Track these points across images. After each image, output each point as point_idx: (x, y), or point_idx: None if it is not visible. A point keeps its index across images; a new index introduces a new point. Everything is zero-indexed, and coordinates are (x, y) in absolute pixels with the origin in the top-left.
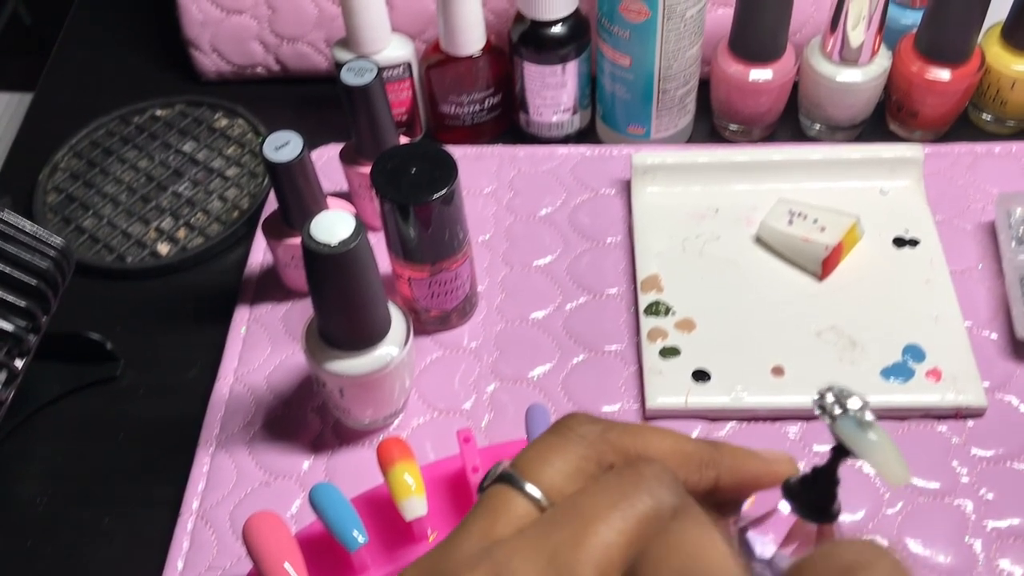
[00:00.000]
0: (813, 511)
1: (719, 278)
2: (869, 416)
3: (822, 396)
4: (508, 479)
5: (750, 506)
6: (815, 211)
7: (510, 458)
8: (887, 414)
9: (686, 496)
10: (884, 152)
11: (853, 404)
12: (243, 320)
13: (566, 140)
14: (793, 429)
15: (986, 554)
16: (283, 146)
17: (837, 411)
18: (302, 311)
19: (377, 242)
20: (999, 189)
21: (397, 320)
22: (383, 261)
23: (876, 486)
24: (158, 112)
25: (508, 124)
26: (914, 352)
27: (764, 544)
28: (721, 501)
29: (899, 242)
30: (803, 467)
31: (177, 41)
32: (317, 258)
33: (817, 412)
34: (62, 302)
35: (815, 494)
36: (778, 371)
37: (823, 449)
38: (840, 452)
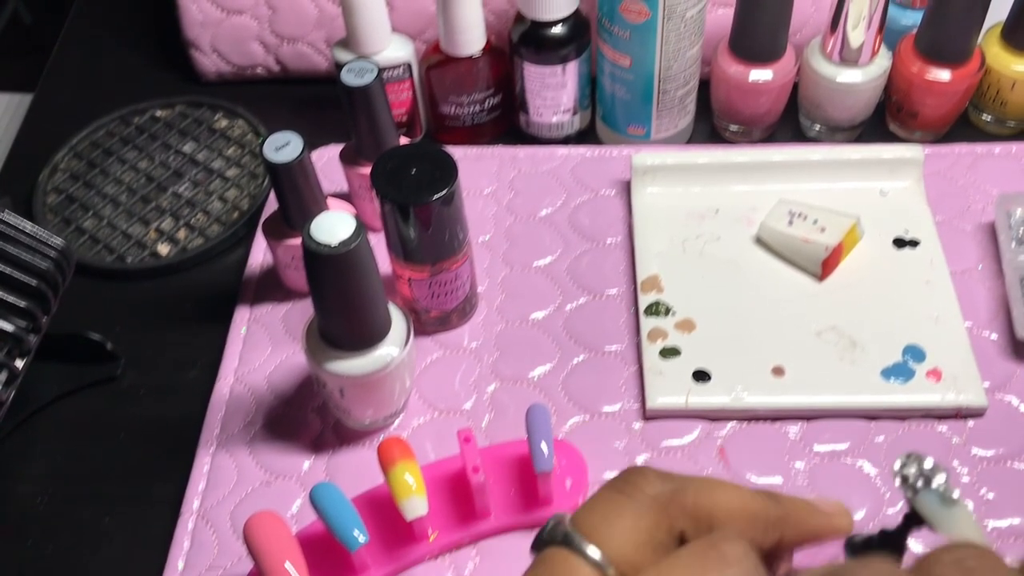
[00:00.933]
0: None
1: (719, 278)
2: (954, 492)
3: (904, 466)
4: (569, 542)
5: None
6: (815, 212)
7: (569, 510)
8: (887, 414)
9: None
10: (884, 153)
11: (938, 479)
12: (243, 320)
13: (566, 141)
14: (793, 429)
15: None
16: (283, 147)
17: (920, 484)
18: (302, 311)
19: (377, 242)
20: (999, 190)
21: (397, 320)
22: (383, 261)
23: (876, 485)
24: (158, 113)
25: (508, 125)
26: (914, 352)
27: None
28: (778, 553)
29: (899, 242)
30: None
31: (177, 42)
32: (317, 258)
33: (898, 484)
34: (62, 302)
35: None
36: (778, 371)
37: (823, 449)
38: (913, 520)
